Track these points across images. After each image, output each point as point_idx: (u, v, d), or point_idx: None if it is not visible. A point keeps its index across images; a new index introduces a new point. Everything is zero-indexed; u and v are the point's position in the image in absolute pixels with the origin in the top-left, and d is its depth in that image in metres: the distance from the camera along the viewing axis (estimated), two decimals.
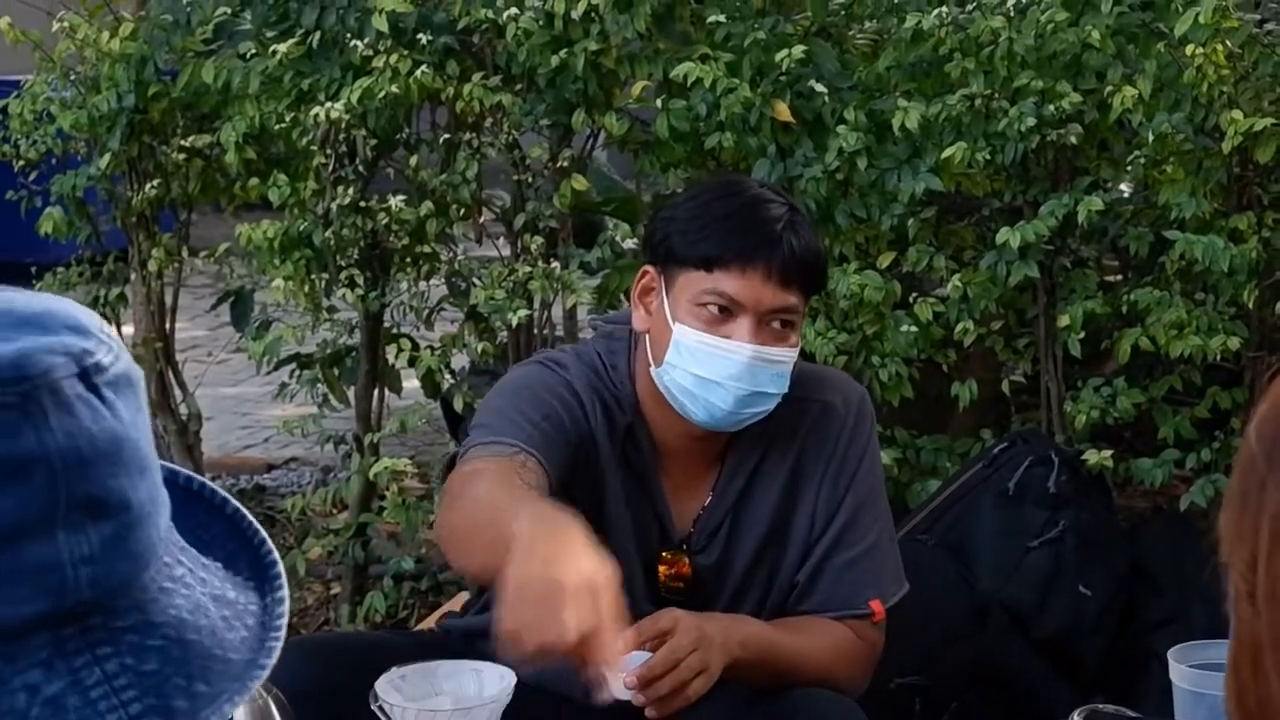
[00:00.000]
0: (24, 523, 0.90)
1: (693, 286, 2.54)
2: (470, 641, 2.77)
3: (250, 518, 1.10)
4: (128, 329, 4.74)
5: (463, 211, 4.23)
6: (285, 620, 1.04)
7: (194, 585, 1.00)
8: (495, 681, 2.33)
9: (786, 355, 2.57)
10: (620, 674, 2.38)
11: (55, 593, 0.91)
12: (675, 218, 2.61)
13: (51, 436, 0.90)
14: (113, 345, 0.97)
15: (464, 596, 3.18)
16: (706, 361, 2.52)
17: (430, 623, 3.13)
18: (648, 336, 2.62)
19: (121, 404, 0.95)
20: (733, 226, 2.55)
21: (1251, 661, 0.96)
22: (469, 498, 2.38)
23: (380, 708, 2.25)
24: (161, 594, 0.97)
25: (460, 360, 4.50)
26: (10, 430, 0.90)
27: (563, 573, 2.00)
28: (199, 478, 1.10)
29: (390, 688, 2.28)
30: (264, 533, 1.09)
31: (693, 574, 2.67)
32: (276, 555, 1.08)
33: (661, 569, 2.66)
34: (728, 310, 2.53)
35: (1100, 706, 2.34)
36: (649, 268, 2.63)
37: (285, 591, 1.06)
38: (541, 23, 3.97)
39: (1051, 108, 3.73)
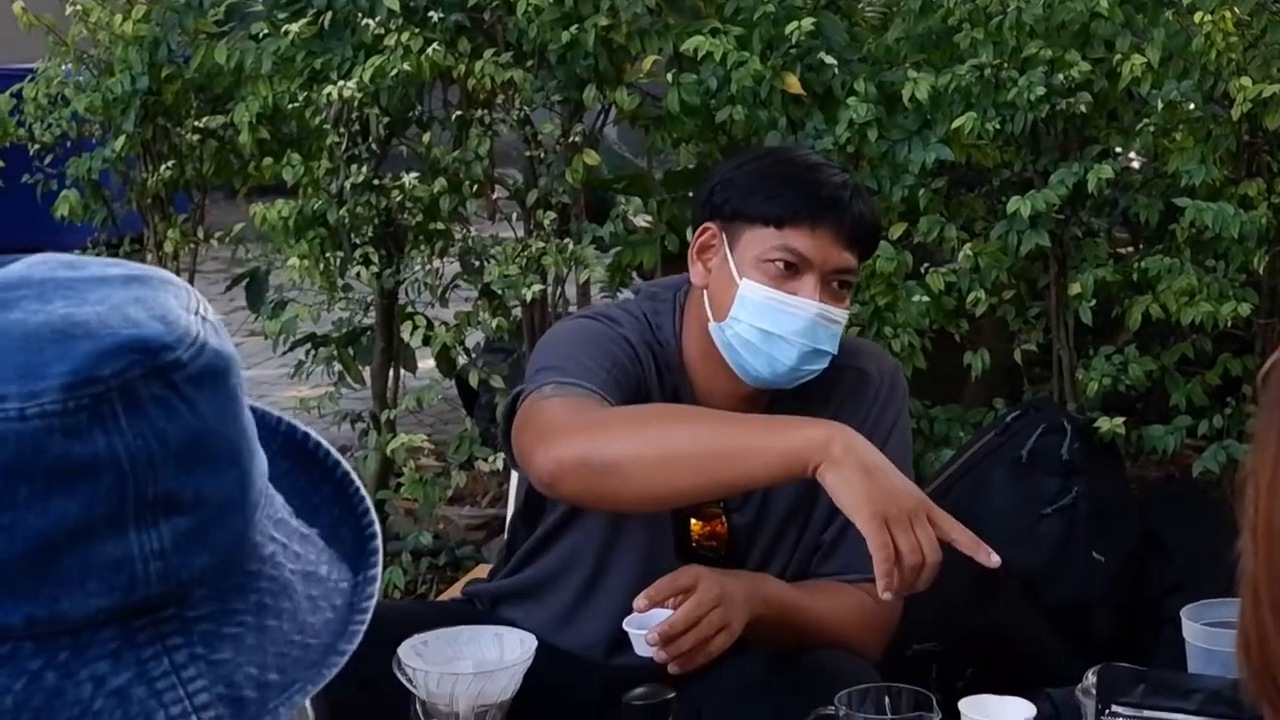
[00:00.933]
0: (91, 522, 0.89)
1: (761, 243, 2.57)
2: (495, 607, 2.80)
3: (359, 484, 1.08)
4: None
5: (475, 189, 4.25)
6: (373, 602, 1.02)
7: (283, 564, 0.98)
8: (516, 646, 2.36)
9: (843, 316, 2.62)
10: (641, 632, 2.41)
11: (125, 588, 0.91)
12: (739, 179, 2.64)
13: (121, 438, 0.89)
14: (198, 336, 0.94)
15: (486, 568, 3.20)
16: (772, 316, 2.56)
17: (455, 591, 3.15)
18: (706, 293, 2.65)
19: (204, 398, 0.93)
20: (804, 186, 2.59)
21: (1252, 599, 0.98)
22: (636, 425, 2.43)
23: (403, 672, 2.28)
24: (245, 578, 0.96)
25: (475, 337, 4.52)
26: (79, 432, 0.88)
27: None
28: (315, 436, 1.09)
29: (413, 653, 2.31)
30: (369, 502, 1.08)
31: (728, 533, 2.70)
32: (377, 528, 1.07)
33: (696, 526, 2.69)
34: (794, 267, 2.57)
35: (1114, 664, 2.36)
36: (710, 224, 2.65)
37: (378, 570, 1.04)
38: None
39: (1060, 77, 3.75)
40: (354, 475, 1.09)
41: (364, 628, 1.01)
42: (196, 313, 0.95)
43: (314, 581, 1.00)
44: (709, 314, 2.64)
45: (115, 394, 0.90)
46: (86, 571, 0.90)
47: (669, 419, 2.47)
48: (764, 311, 2.57)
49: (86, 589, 0.90)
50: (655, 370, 2.67)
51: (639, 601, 2.40)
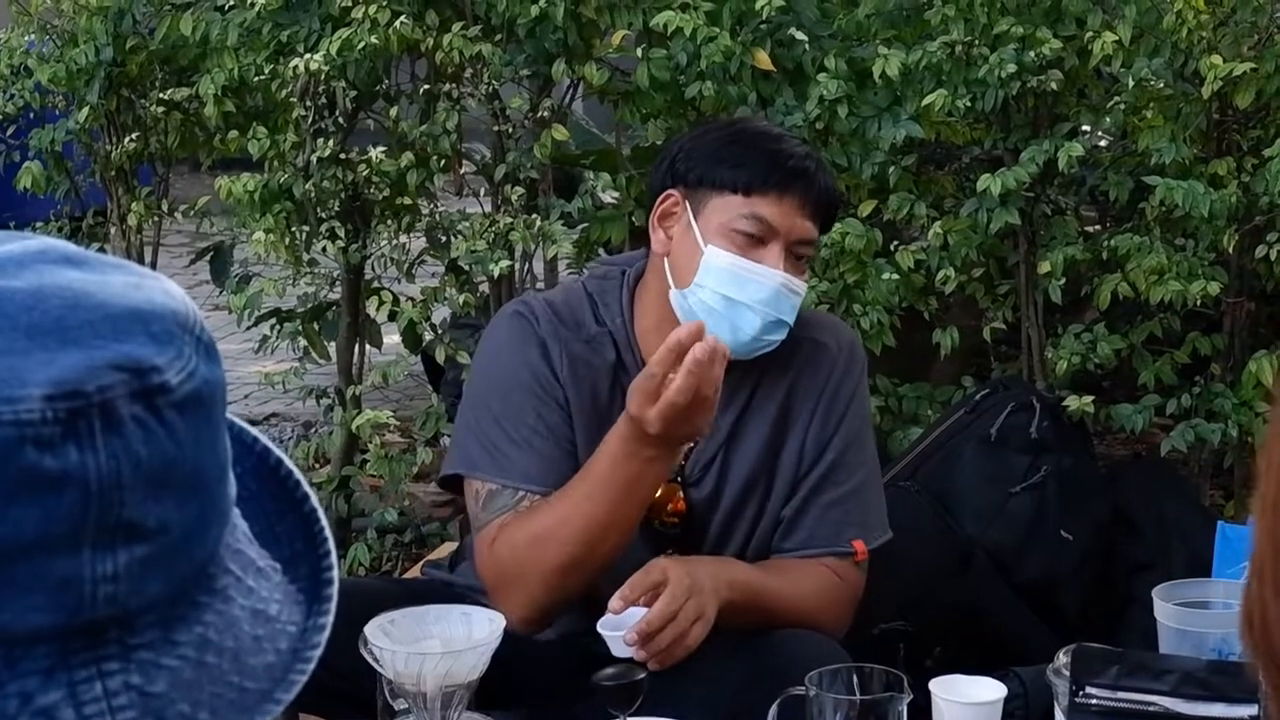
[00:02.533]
0: (47, 538, 0.85)
1: (727, 210, 2.57)
2: (451, 587, 2.79)
3: (324, 523, 1.05)
4: None
5: (443, 163, 4.22)
6: (318, 652, 0.98)
7: (234, 598, 0.95)
8: (484, 625, 2.34)
9: (803, 288, 2.63)
10: (617, 633, 2.40)
11: (70, 608, 0.87)
12: (704, 146, 2.64)
13: (94, 457, 0.86)
14: (190, 360, 0.91)
15: (450, 547, 3.18)
16: (737, 283, 2.55)
17: (415, 571, 3.14)
18: (666, 260, 2.63)
19: (184, 424, 0.89)
20: (771, 155, 2.60)
21: (1257, 576, 0.97)
22: (560, 524, 2.54)
23: (370, 652, 2.26)
24: (192, 609, 0.93)
25: (441, 313, 4.49)
26: (51, 445, 0.85)
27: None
28: (288, 463, 1.05)
29: (379, 632, 2.29)
30: (331, 543, 1.05)
31: (687, 507, 2.69)
32: (335, 574, 1.03)
33: (658, 503, 2.68)
34: (759, 236, 2.56)
35: (1086, 645, 2.35)
36: (673, 191, 2.64)
37: (329, 619, 1.01)
38: None
39: (1032, 54, 3.73)
40: (320, 512, 1.05)
41: (305, 678, 0.97)
42: (192, 332, 0.92)
43: (262, 620, 0.96)
44: (670, 281, 2.62)
45: (95, 410, 0.86)
46: (33, 586, 0.86)
47: (570, 504, 2.53)
48: (729, 278, 2.56)
49: (30, 603, 0.87)
50: (569, 362, 2.66)
51: (614, 604, 2.40)
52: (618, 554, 2.52)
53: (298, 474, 1.06)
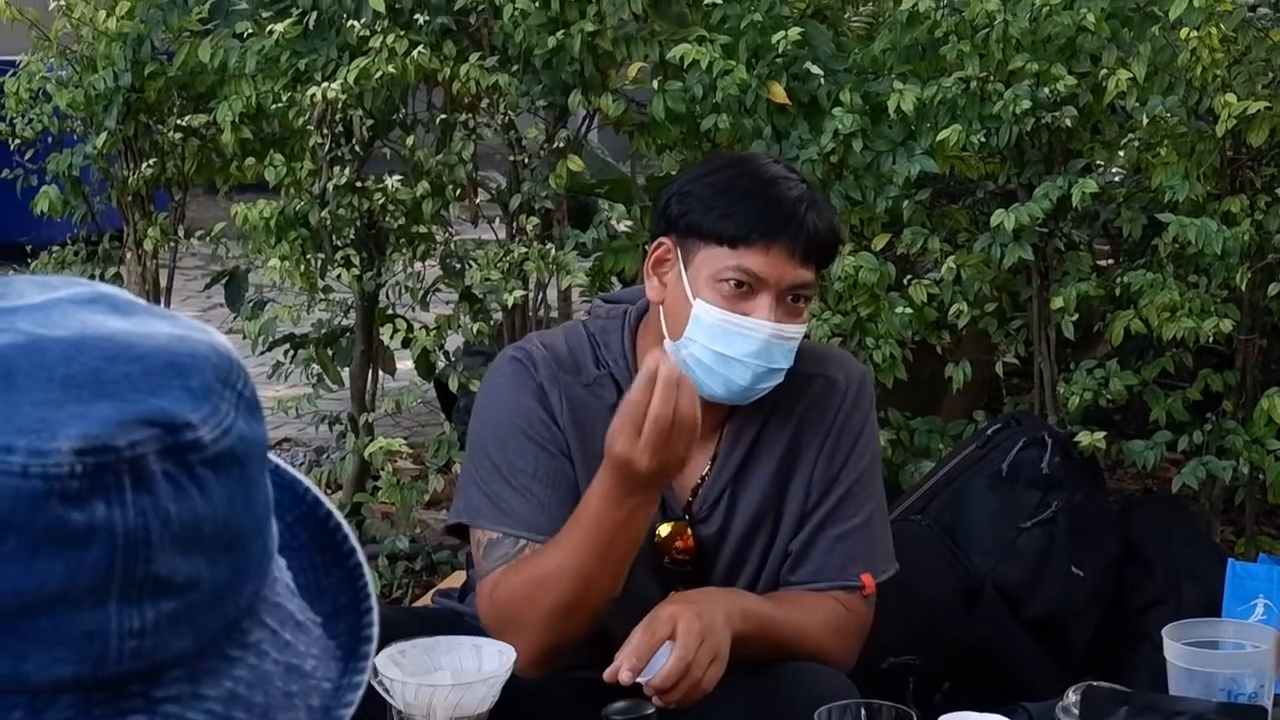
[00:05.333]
0: (72, 590, 0.84)
1: (714, 262, 2.56)
2: (461, 617, 2.79)
3: (369, 579, 1.04)
4: None
5: (458, 192, 4.24)
6: (351, 711, 0.97)
7: (268, 652, 0.93)
8: (494, 657, 2.34)
9: (799, 331, 2.61)
10: (641, 679, 2.39)
11: (94, 660, 0.86)
12: (694, 193, 2.61)
13: (122, 512, 0.85)
14: (226, 416, 0.89)
15: (461, 576, 3.19)
16: (726, 338, 2.55)
17: (426, 599, 3.14)
18: (661, 308, 2.64)
19: (217, 482, 0.88)
20: (758, 204, 2.57)
21: None
22: (559, 570, 2.52)
23: (379, 682, 2.26)
24: (222, 662, 0.91)
25: (455, 341, 4.50)
26: (79, 499, 0.84)
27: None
28: (338, 516, 1.04)
29: (390, 663, 2.29)
30: (374, 600, 1.03)
31: (695, 544, 2.69)
32: (375, 631, 1.02)
33: (663, 530, 2.67)
34: (748, 286, 2.55)
35: (1095, 684, 2.35)
36: (664, 239, 2.64)
37: (364, 677, 0.99)
38: (538, 3, 3.96)
39: (1046, 90, 3.74)
40: (365, 567, 1.04)
41: None
42: (234, 387, 0.91)
43: (296, 676, 0.95)
44: (665, 330, 2.63)
45: (125, 466, 0.85)
46: (58, 638, 0.86)
47: (564, 551, 2.52)
48: (717, 333, 2.56)
49: (54, 654, 0.86)
50: (569, 406, 2.66)
51: (623, 676, 2.39)
52: (613, 595, 2.51)
53: (346, 527, 1.04)
